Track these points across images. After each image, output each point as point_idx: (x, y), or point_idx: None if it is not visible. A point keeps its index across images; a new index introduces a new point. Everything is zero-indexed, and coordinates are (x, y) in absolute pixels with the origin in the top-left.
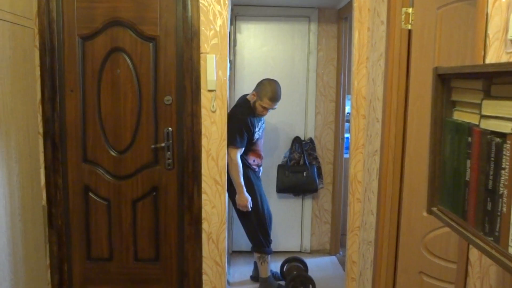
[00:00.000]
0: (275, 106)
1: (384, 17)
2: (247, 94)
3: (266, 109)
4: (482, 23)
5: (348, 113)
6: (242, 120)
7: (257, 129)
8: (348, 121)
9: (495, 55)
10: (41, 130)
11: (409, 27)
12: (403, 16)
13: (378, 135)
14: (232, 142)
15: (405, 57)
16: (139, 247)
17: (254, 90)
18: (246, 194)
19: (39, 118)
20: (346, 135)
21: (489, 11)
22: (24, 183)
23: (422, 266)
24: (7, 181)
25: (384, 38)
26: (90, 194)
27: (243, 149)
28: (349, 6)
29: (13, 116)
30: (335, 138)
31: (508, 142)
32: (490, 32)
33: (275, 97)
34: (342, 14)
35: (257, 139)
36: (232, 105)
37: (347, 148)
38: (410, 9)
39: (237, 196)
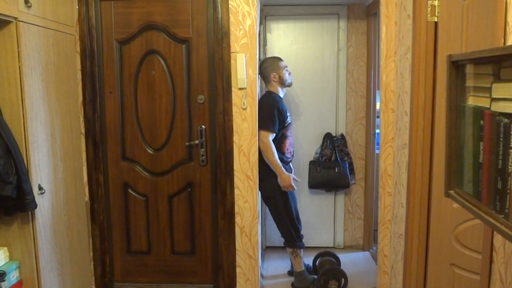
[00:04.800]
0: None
1: (411, 11)
2: (264, 93)
3: (288, 72)
4: (501, 11)
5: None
6: (271, 105)
7: (288, 114)
8: (379, 116)
9: None
10: (83, 130)
11: (435, 19)
12: (429, 9)
13: (406, 128)
14: (263, 126)
15: (432, 50)
16: (175, 241)
17: (268, 76)
18: (287, 173)
19: (81, 119)
20: (378, 130)
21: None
22: (68, 179)
23: (453, 258)
24: (53, 178)
25: (411, 31)
26: (129, 190)
27: (274, 134)
28: (377, 2)
29: (57, 117)
30: (366, 134)
31: None
32: (510, 20)
33: (279, 59)
34: (371, 10)
35: (289, 123)
36: None
37: (379, 144)
38: (436, 1)
39: (278, 179)
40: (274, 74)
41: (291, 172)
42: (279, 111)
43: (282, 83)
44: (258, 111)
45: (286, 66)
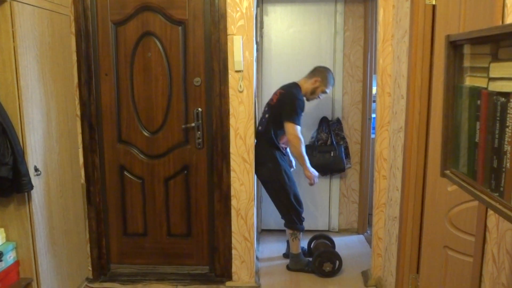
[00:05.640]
0: None
1: None
2: (291, 83)
3: (321, 95)
4: None
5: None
6: (301, 100)
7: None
8: (375, 101)
9: None
10: (78, 112)
11: (433, 2)
12: None
13: (403, 111)
14: (294, 119)
15: (430, 33)
16: (171, 223)
17: (314, 76)
18: (312, 169)
19: (77, 101)
20: (374, 115)
21: None
22: (64, 162)
23: (446, 241)
24: (48, 159)
25: (409, 14)
26: (125, 172)
27: (300, 127)
28: None
29: (53, 99)
30: (362, 118)
31: None
32: (508, 2)
33: (333, 83)
34: None
35: None
36: (260, 86)
37: (375, 128)
38: None
39: (304, 172)
40: (317, 80)
41: (291, 164)
42: (302, 108)
43: (309, 92)
44: (285, 99)
45: (327, 93)
